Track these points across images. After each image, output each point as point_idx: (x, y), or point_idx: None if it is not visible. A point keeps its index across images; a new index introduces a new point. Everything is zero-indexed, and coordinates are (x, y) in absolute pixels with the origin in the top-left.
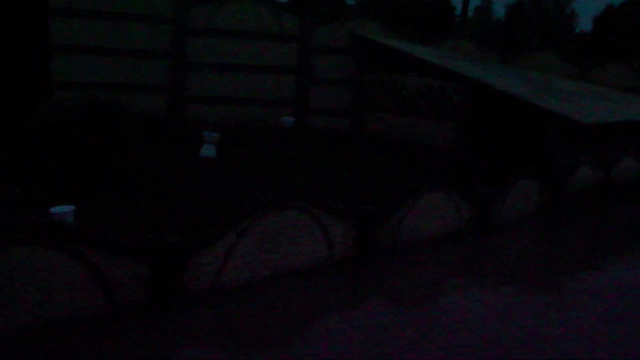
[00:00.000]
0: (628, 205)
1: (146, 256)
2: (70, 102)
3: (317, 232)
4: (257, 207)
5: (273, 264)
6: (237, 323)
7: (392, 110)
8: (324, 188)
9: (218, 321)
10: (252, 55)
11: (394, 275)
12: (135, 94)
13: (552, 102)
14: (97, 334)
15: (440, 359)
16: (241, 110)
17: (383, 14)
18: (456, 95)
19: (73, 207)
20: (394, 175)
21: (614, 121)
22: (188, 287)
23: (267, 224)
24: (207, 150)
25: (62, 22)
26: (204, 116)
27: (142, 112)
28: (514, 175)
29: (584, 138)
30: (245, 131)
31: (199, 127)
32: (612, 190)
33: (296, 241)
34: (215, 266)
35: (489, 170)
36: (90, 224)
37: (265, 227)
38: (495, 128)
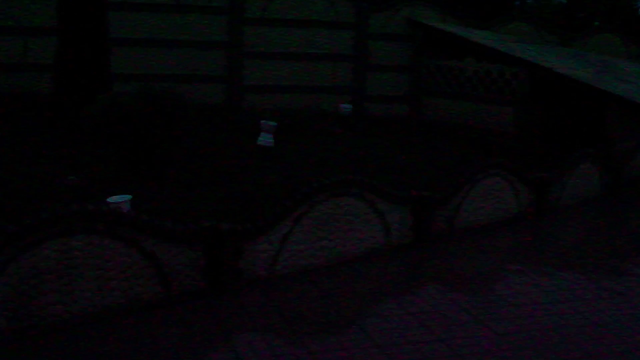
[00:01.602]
0: None
1: (201, 243)
2: (128, 93)
3: (373, 218)
4: (313, 193)
5: (328, 250)
6: (293, 309)
7: (450, 96)
8: (381, 174)
9: (273, 307)
10: (308, 43)
11: (451, 260)
12: (193, 85)
13: (613, 85)
14: (153, 319)
15: (497, 345)
16: (298, 99)
17: None
18: (515, 79)
19: (130, 196)
20: (452, 160)
21: None
22: (243, 273)
23: (323, 210)
24: (265, 139)
25: (121, 15)
26: (261, 105)
27: (200, 102)
28: (574, 159)
29: None
30: (302, 119)
31: (256, 116)
32: None
33: (352, 227)
34: (270, 253)
35: (549, 154)
36: (147, 212)
37: (321, 214)
38: (555, 111)
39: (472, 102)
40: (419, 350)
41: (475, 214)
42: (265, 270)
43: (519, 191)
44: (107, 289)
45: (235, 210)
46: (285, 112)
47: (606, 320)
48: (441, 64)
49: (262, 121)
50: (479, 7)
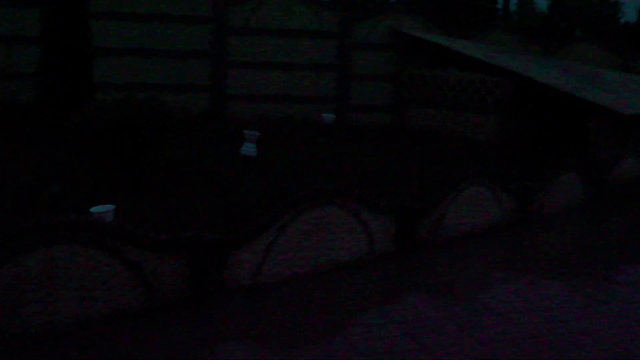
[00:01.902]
0: None
1: (185, 253)
2: (112, 102)
3: (357, 227)
4: (296, 203)
5: (313, 259)
6: (277, 319)
7: (434, 105)
8: (365, 183)
9: (258, 317)
10: (292, 53)
11: (435, 269)
12: (176, 94)
13: (595, 94)
14: (137, 330)
15: (481, 353)
16: (281, 108)
17: (423, 7)
18: (498, 89)
19: (113, 206)
20: (436, 169)
21: None
22: (227, 283)
23: (306, 219)
24: (248, 149)
25: (104, 24)
26: (244, 114)
27: (184, 111)
28: (557, 168)
29: (628, 130)
30: (286, 128)
31: (239, 125)
32: None
33: (336, 237)
34: (254, 262)
35: (532, 162)
36: (131, 221)
37: (305, 223)
38: (538, 121)
39: (455, 111)
40: (404, 359)
41: (459, 223)
42: (249, 280)
43: (502, 200)
44: (91, 299)
45: (219, 219)
46: (269, 121)
47: (590, 329)
48: (424, 73)
49: (245, 131)
50: (462, 17)
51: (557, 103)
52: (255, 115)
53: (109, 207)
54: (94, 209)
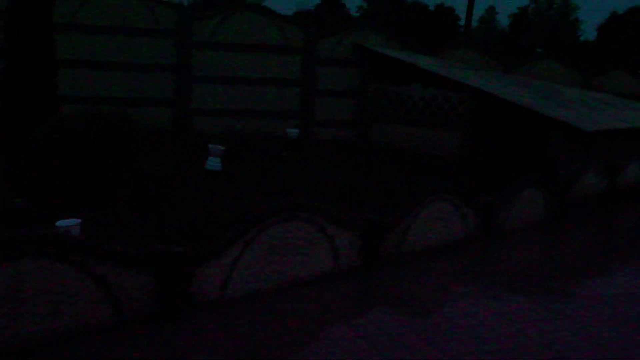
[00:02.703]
0: (634, 212)
1: (152, 267)
2: (77, 115)
3: (323, 242)
4: (263, 218)
5: (279, 274)
6: (244, 333)
7: (397, 120)
8: (330, 198)
9: (225, 332)
10: (257, 68)
11: (400, 283)
12: (141, 108)
13: (556, 110)
14: (104, 345)
15: None
16: (246, 123)
17: (387, 24)
18: (461, 105)
19: (79, 220)
20: (399, 184)
21: (618, 128)
22: (195, 297)
23: (272, 234)
24: (213, 163)
25: (67, 37)
26: (209, 129)
27: (148, 125)
28: (519, 183)
29: (588, 145)
30: (250, 143)
31: (204, 139)
32: (617, 197)
33: (302, 251)
34: (221, 277)
35: (495, 178)
36: (97, 235)
37: (271, 238)
38: (500, 137)
39: (419, 126)
40: None
41: (423, 238)
42: (216, 295)
43: (465, 215)
44: (58, 314)
45: (186, 234)
46: (234, 135)
47: (552, 342)
48: (388, 89)
49: (210, 145)
50: (426, 34)
51: (519, 119)
52: (220, 129)
53: (75, 221)
54: (60, 223)
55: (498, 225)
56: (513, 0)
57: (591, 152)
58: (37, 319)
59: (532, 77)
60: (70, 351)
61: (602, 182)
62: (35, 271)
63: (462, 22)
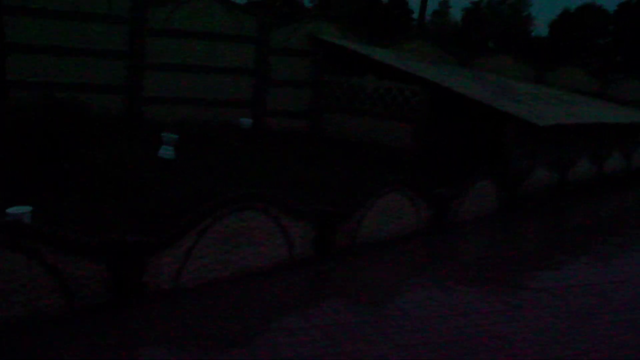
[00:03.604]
0: (583, 206)
1: (105, 256)
2: (27, 101)
3: (277, 232)
4: (217, 207)
5: (233, 264)
6: (198, 323)
7: (351, 112)
8: (283, 188)
9: (178, 321)
10: (210, 56)
11: (354, 275)
12: (93, 94)
13: (509, 104)
14: (56, 334)
15: (399, 356)
16: (199, 111)
17: (341, 16)
18: (414, 97)
19: (30, 207)
20: (353, 176)
21: (570, 123)
22: (148, 287)
23: (227, 224)
24: (166, 151)
25: (17, 20)
26: (162, 117)
27: (100, 112)
28: (472, 176)
29: (540, 140)
30: (203, 132)
31: (157, 128)
32: (567, 192)
33: (256, 241)
34: (175, 266)
35: (448, 171)
36: (49, 223)
37: (225, 228)
38: (453, 130)
39: (372, 118)
40: None
41: (377, 229)
42: (169, 284)
43: (419, 207)
44: (8, 302)
45: (138, 222)
46: (187, 124)
47: (504, 333)
48: (342, 80)
49: (163, 134)
50: (379, 26)
51: (473, 113)
52: (173, 118)
53: (26, 208)
54: (10, 210)
55: (451, 217)
56: None
57: (543, 146)
58: None
59: (485, 71)
60: (21, 340)
61: (553, 177)
62: None
63: (415, 16)
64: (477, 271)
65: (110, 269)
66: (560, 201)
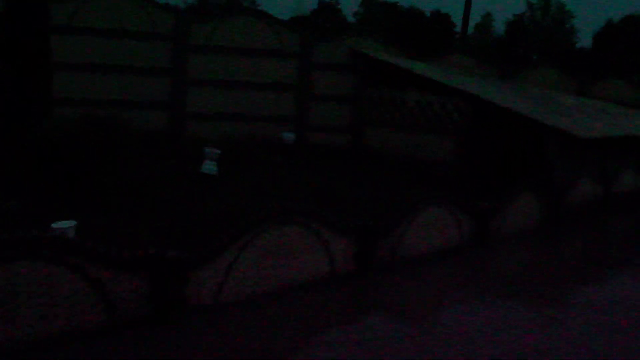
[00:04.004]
0: (628, 219)
1: (147, 271)
2: (71, 118)
3: (318, 247)
4: (258, 222)
5: (274, 278)
6: (238, 338)
7: (392, 126)
8: (325, 203)
9: (219, 336)
10: (253, 72)
11: (394, 289)
12: (137, 111)
13: (551, 117)
14: (97, 348)
15: None
16: (242, 127)
17: (384, 30)
18: (456, 111)
19: (75, 222)
20: (394, 190)
21: (614, 135)
22: (189, 301)
23: (267, 238)
24: (208, 167)
25: (64, 39)
26: (205, 132)
27: (143, 129)
28: (514, 190)
29: (583, 152)
30: (246, 147)
31: (200, 143)
32: (612, 205)
33: (297, 256)
34: (216, 281)
35: (490, 184)
36: (92, 238)
37: (266, 242)
38: (496, 143)
39: (414, 132)
40: None
41: (418, 244)
42: (210, 299)
43: (460, 221)
44: (52, 316)
45: (180, 238)
46: (230, 139)
47: (545, 348)
48: (383, 94)
49: (206, 149)
50: (422, 40)
51: (514, 126)
52: (215, 133)
53: (71, 223)
54: (55, 224)
55: (493, 231)
56: (510, 7)
57: (587, 159)
58: (31, 321)
59: (528, 84)
60: (64, 353)
61: (597, 190)
62: (30, 273)
63: (458, 29)
64: (519, 285)
65: (151, 284)
66: (604, 214)
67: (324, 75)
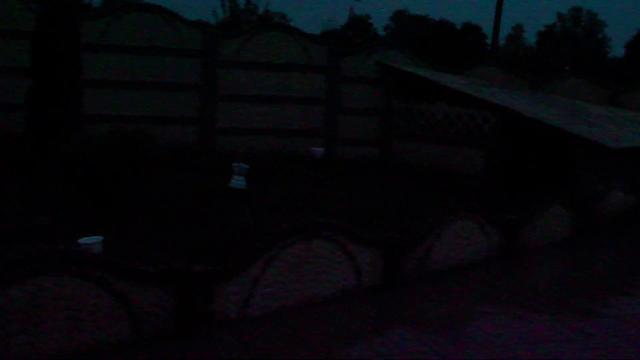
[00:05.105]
0: None
1: (172, 285)
2: (100, 134)
3: (344, 260)
4: (284, 236)
5: (300, 292)
6: (264, 352)
7: (421, 139)
8: (352, 216)
9: (245, 350)
10: (281, 86)
11: (422, 303)
12: (166, 126)
13: (581, 128)
14: None
15: None
16: (270, 141)
17: (414, 42)
18: (485, 123)
19: (101, 237)
20: (422, 202)
21: None
22: (215, 315)
23: (293, 252)
24: (237, 181)
25: (94, 57)
26: (233, 147)
27: (173, 143)
28: (544, 201)
29: (614, 163)
30: (274, 161)
31: (228, 158)
32: None
33: (323, 270)
34: (242, 295)
35: (519, 196)
36: (119, 253)
37: (292, 256)
38: (525, 154)
39: (443, 145)
40: None
41: (446, 256)
42: (236, 313)
43: (489, 233)
44: (77, 330)
45: (207, 252)
46: (258, 154)
47: None
48: (412, 107)
49: (234, 164)
50: (453, 52)
51: (544, 137)
52: (244, 148)
53: (97, 238)
54: (81, 240)
55: (522, 243)
56: (540, 18)
57: (617, 169)
58: (56, 335)
59: (558, 95)
60: None
61: (629, 200)
62: (55, 287)
63: (489, 41)
64: (549, 298)
65: (177, 298)
66: (635, 225)
67: (353, 89)
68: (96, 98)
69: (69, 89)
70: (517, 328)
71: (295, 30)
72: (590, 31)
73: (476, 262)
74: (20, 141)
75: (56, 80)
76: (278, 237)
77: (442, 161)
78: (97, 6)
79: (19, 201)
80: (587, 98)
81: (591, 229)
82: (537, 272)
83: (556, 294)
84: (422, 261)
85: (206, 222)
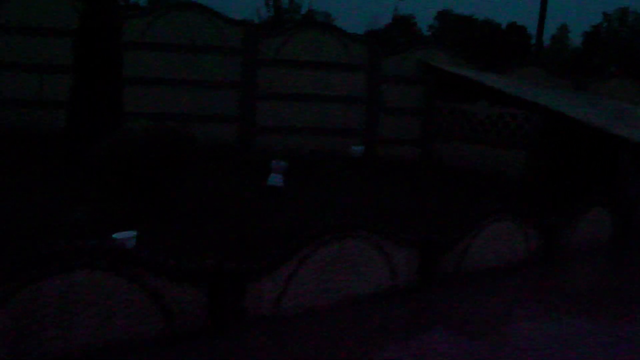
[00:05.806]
0: None
1: (205, 282)
2: (137, 131)
3: (380, 260)
4: (319, 234)
5: (334, 292)
6: (297, 351)
7: (462, 139)
8: (391, 216)
9: (277, 348)
10: (321, 85)
11: (458, 304)
12: (206, 124)
13: (624, 129)
14: (154, 357)
15: None
16: (310, 140)
17: (457, 42)
18: (527, 123)
19: (135, 232)
20: (462, 203)
21: None
22: (247, 313)
23: (328, 251)
24: (275, 179)
25: (135, 54)
26: (273, 145)
27: (212, 141)
28: (585, 204)
29: None
30: (314, 160)
31: (268, 156)
32: None
33: (358, 269)
34: (275, 293)
35: (560, 198)
36: (154, 249)
37: (327, 255)
38: (567, 155)
39: (484, 145)
40: None
41: (484, 258)
42: (269, 310)
43: (528, 235)
44: (109, 325)
45: (242, 250)
46: (298, 152)
47: None
48: (453, 107)
49: (273, 161)
50: (497, 52)
51: (586, 138)
52: (284, 146)
53: (131, 233)
54: (116, 235)
55: (562, 245)
56: (586, 18)
57: None
58: (89, 330)
59: (603, 96)
60: None
61: None
62: (88, 283)
63: (534, 41)
64: (588, 302)
65: (210, 294)
66: None
67: (393, 88)
68: (137, 95)
69: (110, 86)
70: (555, 332)
71: (336, 29)
72: (637, 31)
73: (515, 264)
74: (62, 138)
75: (97, 78)
76: (313, 235)
77: (483, 161)
78: (144, 5)
79: (58, 197)
80: (634, 99)
81: (633, 233)
82: (577, 276)
83: (596, 298)
84: (460, 262)
85: (244, 219)
